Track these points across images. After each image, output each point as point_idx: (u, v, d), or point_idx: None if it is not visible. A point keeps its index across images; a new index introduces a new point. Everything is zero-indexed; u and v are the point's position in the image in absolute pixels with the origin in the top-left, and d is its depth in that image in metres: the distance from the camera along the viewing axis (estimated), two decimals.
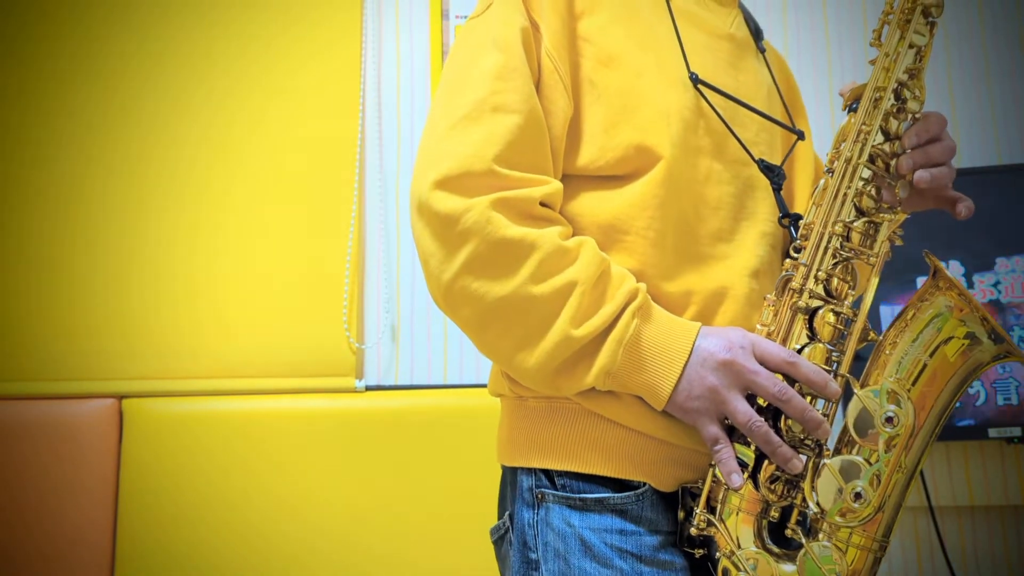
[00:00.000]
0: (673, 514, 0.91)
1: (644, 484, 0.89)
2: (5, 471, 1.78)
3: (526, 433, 0.94)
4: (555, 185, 0.90)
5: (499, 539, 0.98)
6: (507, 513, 0.95)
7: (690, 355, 0.86)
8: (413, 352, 2.01)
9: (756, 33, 1.11)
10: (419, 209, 0.89)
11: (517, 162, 0.88)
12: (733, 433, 0.87)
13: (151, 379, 1.89)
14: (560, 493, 0.90)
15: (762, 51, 1.11)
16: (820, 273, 0.92)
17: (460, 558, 1.79)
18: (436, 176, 0.87)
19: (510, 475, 0.96)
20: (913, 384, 0.89)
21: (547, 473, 0.91)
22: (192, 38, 2.04)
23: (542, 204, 0.89)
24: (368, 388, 1.94)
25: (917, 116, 0.95)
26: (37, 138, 1.97)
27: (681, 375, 0.85)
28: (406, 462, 1.83)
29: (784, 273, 0.94)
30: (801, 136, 1.09)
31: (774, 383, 0.85)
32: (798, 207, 1.08)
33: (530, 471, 0.93)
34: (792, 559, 0.86)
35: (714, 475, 0.88)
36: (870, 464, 0.87)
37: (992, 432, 1.76)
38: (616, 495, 0.88)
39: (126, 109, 2.00)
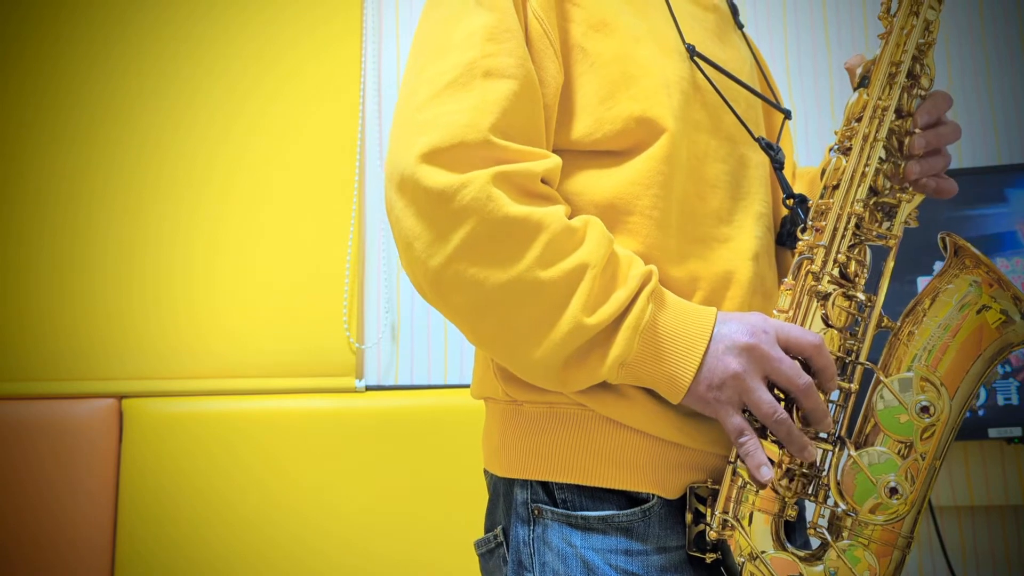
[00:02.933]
0: (682, 525, 0.84)
1: (652, 497, 0.82)
2: (5, 471, 1.78)
3: (521, 442, 0.86)
4: (555, 160, 0.82)
5: (487, 552, 0.91)
6: (499, 527, 0.88)
7: (710, 341, 0.79)
8: (413, 352, 2.01)
9: (733, 8, 1.06)
10: (400, 185, 0.79)
11: (514, 133, 0.80)
12: None
13: (151, 379, 1.89)
14: (560, 510, 0.83)
15: (740, 27, 1.06)
16: (840, 256, 0.86)
17: (460, 558, 1.79)
18: (424, 148, 0.77)
19: (503, 487, 0.89)
20: (936, 369, 0.83)
21: (545, 486, 0.84)
22: (191, 38, 2.04)
23: (542, 181, 0.81)
24: (368, 388, 1.94)
25: (926, 94, 0.91)
26: (37, 139, 1.98)
27: (702, 362, 0.78)
28: (406, 462, 1.83)
29: (800, 255, 0.88)
30: (789, 115, 1.04)
31: (799, 374, 0.79)
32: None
33: (525, 483, 0.85)
34: (819, 559, 0.81)
35: (734, 472, 0.81)
36: (903, 457, 0.81)
37: (992, 432, 1.76)
38: (622, 512, 0.82)
39: (126, 109, 2.00)
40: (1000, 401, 1.77)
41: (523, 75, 0.81)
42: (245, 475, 1.81)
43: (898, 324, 0.87)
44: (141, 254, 1.95)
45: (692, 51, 0.90)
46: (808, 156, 2.03)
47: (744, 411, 0.80)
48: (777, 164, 0.95)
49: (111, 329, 1.91)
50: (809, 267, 0.86)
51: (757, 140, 0.94)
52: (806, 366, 0.81)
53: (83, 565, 1.77)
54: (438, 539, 1.80)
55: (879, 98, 0.89)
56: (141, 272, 1.94)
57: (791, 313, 0.85)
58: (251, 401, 1.87)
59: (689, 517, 0.83)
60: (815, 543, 0.85)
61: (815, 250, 0.87)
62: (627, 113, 0.85)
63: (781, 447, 0.81)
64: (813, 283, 0.85)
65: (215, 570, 1.78)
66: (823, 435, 0.83)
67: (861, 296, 0.86)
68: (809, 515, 0.86)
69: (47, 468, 1.79)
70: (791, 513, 0.82)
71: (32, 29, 2.01)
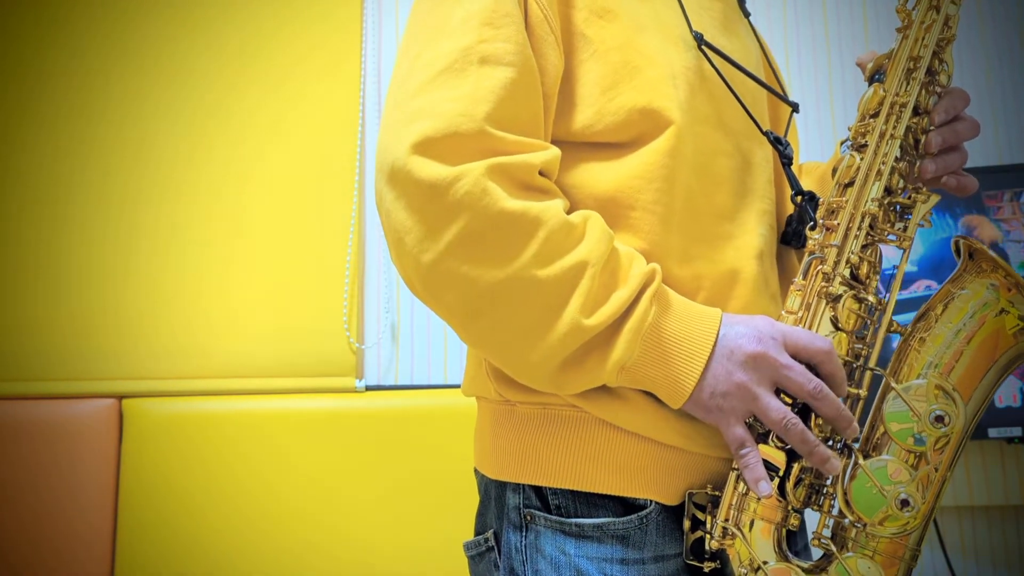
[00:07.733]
0: (680, 532, 0.81)
1: (649, 503, 0.79)
2: (5, 471, 1.78)
3: (515, 444, 0.83)
4: (554, 151, 0.79)
5: (477, 556, 0.88)
6: (491, 531, 0.86)
7: (715, 346, 0.76)
8: (413, 352, 2.01)
9: None
10: (391, 176, 0.75)
11: (510, 124, 0.76)
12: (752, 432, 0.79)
13: (151, 379, 1.89)
14: (553, 517, 0.80)
15: (747, 15, 1.02)
16: (852, 256, 0.83)
17: (460, 558, 1.79)
18: (415, 137, 0.74)
19: (494, 489, 0.85)
20: (948, 375, 0.80)
21: (538, 491, 0.81)
22: (191, 36, 2.04)
23: (540, 173, 0.78)
24: (368, 388, 1.94)
25: (943, 91, 0.89)
26: (35, 138, 1.97)
27: (706, 369, 0.75)
28: (406, 462, 1.83)
29: (810, 255, 0.84)
30: (796, 108, 1.00)
31: (809, 379, 0.75)
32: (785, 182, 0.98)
33: (518, 487, 0.82)
34: (823, 571, 0.78)
35: (737, 478, 0.78)
36: (914, 468, 0.78)
37: (992, 432, 1.76)
38: (618, 520, 0.79)
39: (125, 108, 2.00)
40: (1000, 401, 1.77)
41: (522, 62, 0.78)
42: (245, 475, 1.81)
43: (909, 329, 0.84)
44: (141, 254, 1.95)
45: (700, 39, 0.86)
46: (807, 151, 2.03)
47: (749, 419, 0.77)
48: (785, 159, 0.92)
49: (111, 329, 1.91)
50: (820, 267, 0.83)
51: (765, 134, 0.91)
52: (815, 372, 0.78)
53: (83, 565, 1.77)
54: (438, 539, 1.80)
55: (896, 94, 0.87)
56: (140, 272, 1.94)
57: (800, 315, 0.82)
58: (251, 401, 1.87)
59: (687, 524, 0.81)
60: (817, 552, 0.82)
61: (826, 250, 0.84)
62: (630, 104, 0.81)
63: (789, 455, 0.78)
64: (824, 284, 0.82)
65: (215, 570, 1.78)
66: (830, 442, 0.80)
67: (872, 299, 0.83)
68: (813, 524, 0.84)
69: (47, 468, 1.79)
70: (794, 522, 0.80)
71: (28, 30, 2.00)
